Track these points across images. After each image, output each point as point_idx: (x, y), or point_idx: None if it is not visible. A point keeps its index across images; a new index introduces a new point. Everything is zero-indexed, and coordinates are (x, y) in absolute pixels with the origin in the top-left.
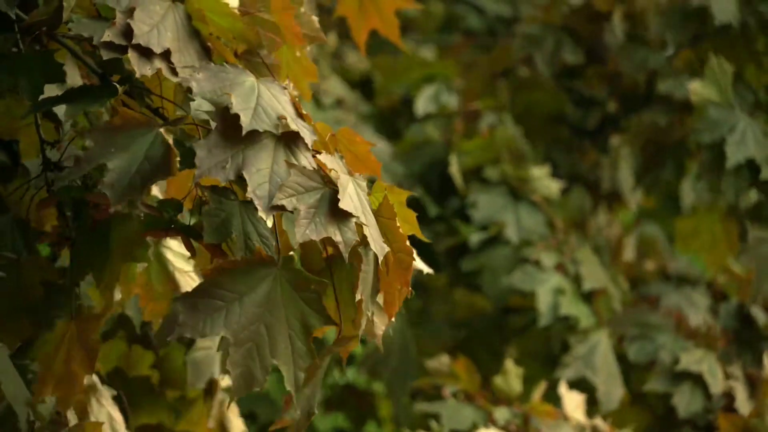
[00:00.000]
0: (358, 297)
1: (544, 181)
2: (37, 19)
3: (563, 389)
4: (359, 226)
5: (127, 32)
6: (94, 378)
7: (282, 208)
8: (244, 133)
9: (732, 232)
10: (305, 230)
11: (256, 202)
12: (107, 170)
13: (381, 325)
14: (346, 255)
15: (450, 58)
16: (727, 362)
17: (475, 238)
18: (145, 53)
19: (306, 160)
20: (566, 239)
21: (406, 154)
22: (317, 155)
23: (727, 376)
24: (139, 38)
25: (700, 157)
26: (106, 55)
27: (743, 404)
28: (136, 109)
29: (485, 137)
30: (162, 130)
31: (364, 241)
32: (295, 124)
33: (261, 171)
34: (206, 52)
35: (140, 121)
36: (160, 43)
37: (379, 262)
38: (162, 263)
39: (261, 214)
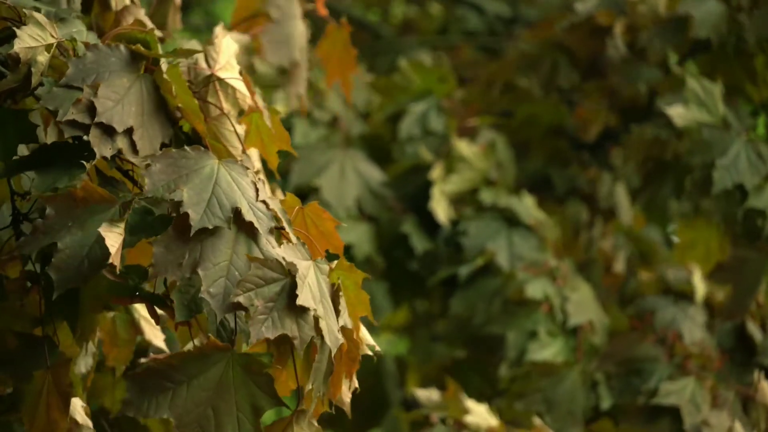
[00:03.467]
0: (308, 387)
1: (532, 210)
2: (6, 87)
3: (536, 421)
4: (317, 318)
5: (92, 109)
6: (84, 419)
7: (239, 305)
8: (192, 233)
9: (726, 248)
10: (261, 327)
11: (210, 302)
12: (57, 250)
13: (348, 392)
14: (301, 351)
15: (450, 60)
16: (723, 384)
17: (464, 271)
18: (108, 131)
19: (269, 245)
20: (558, 265)
21: (397, 178)
22: (279, 244)
23: (715, 401)
24: (101, 116)
25: (690, 178)
26: (69, 133)
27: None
28: (106, 172)
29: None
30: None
31: (319, 333)
32: (251, 214)
33: (218, 265)
34: (172, 124)
35: (102, 196)
36: (123, 120)
37: (332, 354)
38: (128, 310)
39: (217, 313)
